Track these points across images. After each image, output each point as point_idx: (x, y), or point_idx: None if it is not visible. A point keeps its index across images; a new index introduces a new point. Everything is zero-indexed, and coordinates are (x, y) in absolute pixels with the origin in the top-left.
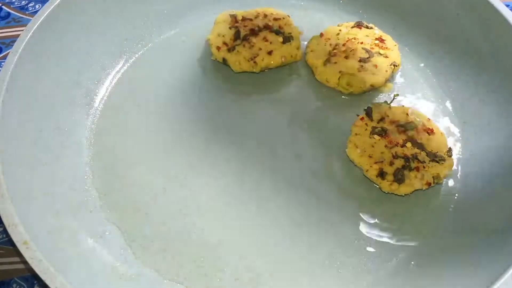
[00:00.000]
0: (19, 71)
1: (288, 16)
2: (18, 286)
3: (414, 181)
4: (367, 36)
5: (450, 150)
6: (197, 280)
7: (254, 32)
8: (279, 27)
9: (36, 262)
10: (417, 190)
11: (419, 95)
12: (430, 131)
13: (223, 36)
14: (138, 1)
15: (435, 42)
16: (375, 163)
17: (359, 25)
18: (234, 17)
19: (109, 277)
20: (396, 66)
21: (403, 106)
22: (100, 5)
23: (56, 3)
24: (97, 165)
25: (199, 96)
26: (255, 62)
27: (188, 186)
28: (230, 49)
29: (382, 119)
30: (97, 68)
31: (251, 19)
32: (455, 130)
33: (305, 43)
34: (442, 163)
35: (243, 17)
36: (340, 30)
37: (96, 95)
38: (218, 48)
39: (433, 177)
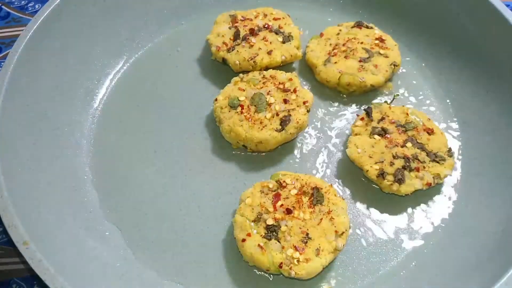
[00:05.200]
0: (19, 71)
1: (288, 15)
2: (17, 286)
3: (414, 181)
4: (367, 36)
5: (450, 150)
6: (197, 280)
7: (253, 32)
8: (279, 27)
9: (36, 263)
10: (417, 190)
11: (419, 95)
12: (430, 131)
13: (223, 36)
14: (138, 1)
15: (435, 42)
16: (376, 163)
17: (359, 25)
18: (234, 17)
19: (109, 277)
20: (396, 66)
21: (403, 106)
22: (100, 5)
23: (56, 3)
24: (97, 165)
25: (199, 96)
26: (254, 61)
27: (188, 186)
28: (230, 49)
29: (382, 119)
30: (97, 68)
31: (250, 19)
32: (455, 130)
33: (306, 43)
34: (442, 163)
35: (242, 17)
36: (340, 30)
37: (96, 95)
38: (218, 48)
39: (433, 177)
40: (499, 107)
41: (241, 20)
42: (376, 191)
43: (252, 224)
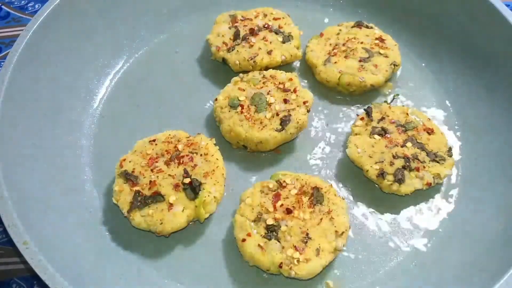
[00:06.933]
0: (19, 71)
1: (288, 15)
2: (17, 286)
3: (414, 181)
4: (367, 36)
5: (450, 150)
6: (197, 280)
7: (253, 32)
8: (279, 26)
9: (36, 262)
10: (417, 190)
11: (419, 95)
12: (430, 131)
13: (223, 36)
14: (138, 1)
15: (435, 42)
16: (376, 163)
17: (359, 25)
18: (233, 17)
19: (109, 277)
20: (396, 65)
21: (403, 106)
22: (100, 5)
23: (56, 3)
24: (97, 165)
25: (198, 96)
26: (254, 61)
27: None
28: (230, 49)
29: (382, 119)
30: (97, 68)
31: (250, 19)
32: (455, 130)
33: (305, 43)
34: (442, 163)
35: (242, 16)
36: (340, 30)
37: (96, 95)
38: (218, 48)
39: (433, 177)
40: (499, 107)
41: (241, 20)
42: (376, 191)
43: (252, 224)
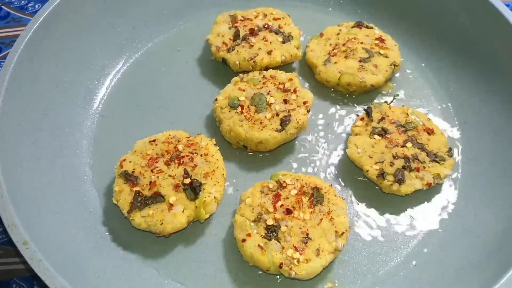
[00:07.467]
0: (19, 71)
1: (288, 15)
2: (17, 286)
3: (414, 182)
4: (367, 36)
5: (450, 150)
6: (197, 280)
7: (253, 32)
8: (279, 26)
9: (36, 262)
10: (417, 190)
11: (419, 95)
12: (430, 131)
13: (223, 36)
14: (137, 1)
15: (435, 42)
16: (376, 163)
17: (359, 25)
18: (234, 17)
19: (109, 277)
20: (396, 66)
21: (403, 106)
22: (100, 5)
23: (56, 3)
24: (97, 165)
25: (198, 96)
26: (254, 61)
27: None
28: (230, 49)
29: (382, 119)
30: (97, 68)
31: (250, 19)
32: (455, 130)
33: (305, 43)
34: (443, 163)
35: (242, 17)
36: (340, 30)
37: (96, 95)
38: (218, 48)
39: (433, 177)
40: (499, 107)
41: (241, 20)
42: (376, 191)
43: (252, 224)
